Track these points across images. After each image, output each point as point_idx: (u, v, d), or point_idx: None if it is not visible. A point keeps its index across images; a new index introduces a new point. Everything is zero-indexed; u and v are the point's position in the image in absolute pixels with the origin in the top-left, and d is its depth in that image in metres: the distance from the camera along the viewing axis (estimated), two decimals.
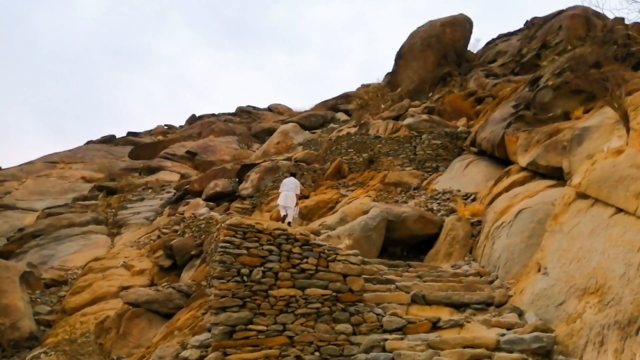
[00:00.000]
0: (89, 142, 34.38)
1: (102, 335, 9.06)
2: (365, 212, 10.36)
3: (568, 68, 10.95)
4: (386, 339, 5.63)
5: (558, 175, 8.71)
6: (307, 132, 28.48)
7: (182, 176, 25.22)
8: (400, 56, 26.64)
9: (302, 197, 13.96)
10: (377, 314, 6.21)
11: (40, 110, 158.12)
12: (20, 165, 28.10)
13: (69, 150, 31.11)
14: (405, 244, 10.08)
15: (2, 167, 27.53)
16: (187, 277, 11.20)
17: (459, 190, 11.86)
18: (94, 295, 11.30)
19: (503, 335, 4.75)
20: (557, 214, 6.56)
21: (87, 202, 21.53)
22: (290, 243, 6.80)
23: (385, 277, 7.16)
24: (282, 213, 12.18)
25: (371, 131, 19.31)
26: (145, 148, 31.53)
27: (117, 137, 36.03)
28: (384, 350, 5.43)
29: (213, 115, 38.71)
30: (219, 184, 20.06)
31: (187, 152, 29.35)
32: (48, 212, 19.86)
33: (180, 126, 38.74)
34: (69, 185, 24.20)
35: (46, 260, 15.31)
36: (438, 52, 24.99)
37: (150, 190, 23.19)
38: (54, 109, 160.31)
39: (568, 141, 8.81)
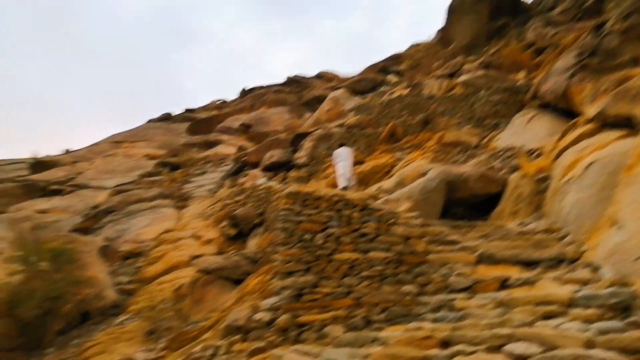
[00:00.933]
0: (149, 121, 35.74)
1: (178, 301, 9.67)
2: (423, 175, 10.24)
3: (636, 10, 10.10)
4: (454, 299, 5.65)
5: (629, 125, 8.18)
6: (357, 97, 28.12)
7: (239, 148, 25.80)
8: (451, 11, 25.46)
9: (356, 162, 13.99)
10: (443, 275, 6.23)
11: (100, 93, 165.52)
12: (88, 146, 29.79)
13: (132, 130, 32.56)
14: (467, 204, 9.91)
15: (73, 150, 29.31)
16: (252, 244, 11.64)
17: (522, 147, 11.42)
18: (168, 265, 12.01)
19: (577, 291, 4.63)
20: (631, 165, 6.22)
21: (152, 178, 22.62)
22: (349, 208, 6.91)
23: (448, 239, 7.12)
24: (342, 183, 12.26)
25: (425, 91, 18.83)
26: (201, 123, 32.41)
27: (175, 114, 37.21)
28: (452, 309, 5.46)
29: (263, 87, 39.00)
30: (274, 155, 20.40)
31: (242, 125, 29.90)
32: (118, 190, 21.08)
33: (233, 100, 39.38)
34: (135, 163, 25.44)
35: (121, 234, 16.34)
36: (491, 3, 23.65)
37: (210, 164, 23.98)
38: (113, 91, 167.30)
39: (639, 88, 8.22)
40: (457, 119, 15.20)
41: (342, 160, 12.68)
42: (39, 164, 25.72)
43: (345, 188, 11.66)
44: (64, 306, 11.81)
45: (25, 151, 40.76)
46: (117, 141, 30.06)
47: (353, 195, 7.70)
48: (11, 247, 13.64)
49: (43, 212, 19.38)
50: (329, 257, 6.44)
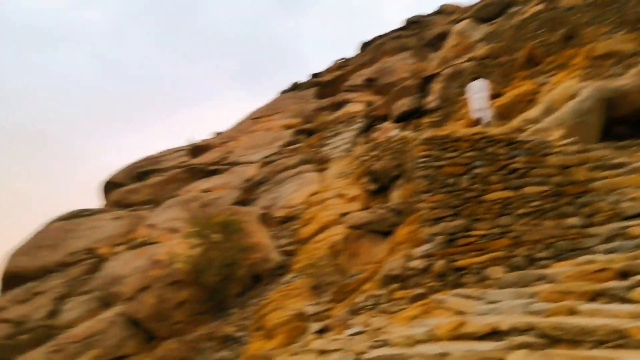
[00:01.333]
0: (281, 93, 37.42)
1: (335, 257, 10.29)
2: (574, 96, 9.23)
3: None
4: (628, 226, 5.13)
5: None
6: (484, 25, 25.94)
7: (367, 104, 25.83)
8: None
9: (494, 96, 13.10)
10: (612, 202, 5.67)
11: (232, 73, 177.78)
12: (233, 126, 32.42)
13: (267, 104, 34.48)
14: (632, 121, 8.72)
15: (221, 131, 32.14)
16: (395, 196, 11.74)
17: None
18: (320, 225, 12.76)
19: None
20: None
21: (293, 147, 23.91)
22: (493, 145, 6.61)
23: (613, 162, 6.40)
24: (478, 117, 11.68)
25: (563, 2, 16.66)
26: (327, 86, 32.96)
27: (302, 81, 38.36)
28: (627, 238, 4.96)
29: (382, 35, 37.99)
30: (403, 104, 20.06)
31: (366, 80, 29.70)
32: (265, 161, 22.78)
33: (354, 56, 39.16)
34: (275, 135, 27.05)
35: (274, 202, 17.72)
36: None
37: (342, 124, 24.47)
38: (244, 69, 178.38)
39: None
40: (607, 26, 13.21)
41: (477, 93, 11.97)
42: (196, 149, 28.79)
43: (486, 123, 11.06)
44: (238, 271, 13.33)
45: (182, 139, 45.77)
46: (256, 117, 32.16)
47: (496, 130, 7.32)
48: (187, 225, 15.67)
49: (206, 191, 21.81)
50: (477, 199, 6.28)
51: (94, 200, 29.60)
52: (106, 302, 16.11)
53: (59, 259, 20.45)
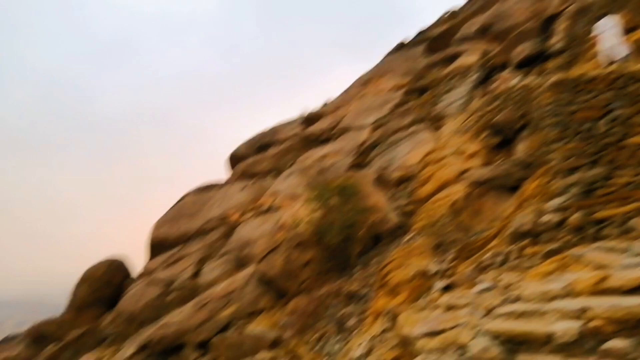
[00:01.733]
0: (388, 54, 36.60)
1: (456, 215, 10.06)
2: None
3: None
4: None
5: None
6: None
7: (482, 54, 24.25)
8: None
9: (629, 29, 11.57)
10: None
11: (341, 38, 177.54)
12: (342, 93, 32.63)
13: (374, 67, 34.04)
14: None
15: (331, 99, 32.55)
16: (520, 149, 11.06)
17: None
18: (438, 184, 12.50)
19: None
20: None
21: (404, 107, 23.44)
22: (634, 83, 5.93)
23: None
24: (611, 57, 10.45)
25: None
26: (436, 40, 31.51)
27: (408, 40, 37.07)
28: None
29: None
30: (523, 49, 18.48)
31: (479, 28, 27.81)
32: (377, 125, 22.68)
33: (464, 5, 36.75)
34: (385, 97, 26.74)
35: (389, 164, 17.69)
36: None
37: (455, 79, 23.34)
38: (352, 36, 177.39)
39: None
40: None
41: (607, 30, 10.67)
42: (309, 119, 29.63)
43: (622, 60, 9.84)
44: (358, 232, 13.70)
45: (298, 110, 47.32)
46: (364, 81, 31.99)
47: (636, 66, 6.52)
48: (306, 190, 16.37)
49: (322, 158, 22.47)
50: (618, 144, 5.73)
51: (222, 172, 32.17)
52: (240, 263, 17.67)
53: (197, 226, 22.76)
